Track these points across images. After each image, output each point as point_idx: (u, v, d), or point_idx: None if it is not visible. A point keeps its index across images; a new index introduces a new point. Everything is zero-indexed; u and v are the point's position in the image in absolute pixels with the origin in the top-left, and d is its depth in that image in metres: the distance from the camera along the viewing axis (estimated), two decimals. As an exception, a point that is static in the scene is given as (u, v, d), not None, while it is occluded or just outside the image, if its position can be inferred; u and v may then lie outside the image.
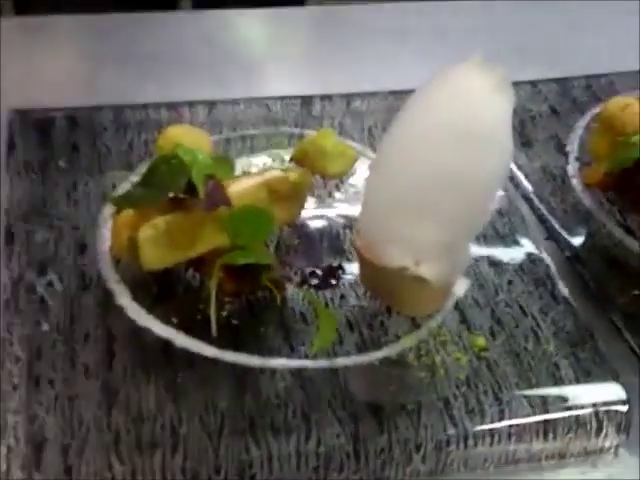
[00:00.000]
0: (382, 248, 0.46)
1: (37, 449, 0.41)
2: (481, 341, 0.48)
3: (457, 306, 0.50)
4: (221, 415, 0.44)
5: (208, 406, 0.44)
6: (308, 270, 0.51)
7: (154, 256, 0.47)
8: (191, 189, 0.48)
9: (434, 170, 0.44)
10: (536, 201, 0.58)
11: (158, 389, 0.44)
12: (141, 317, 0.47)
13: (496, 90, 0.44)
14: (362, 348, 0.48)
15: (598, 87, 0.68)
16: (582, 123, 0.62)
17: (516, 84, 0.44)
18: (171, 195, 0.48)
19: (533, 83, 0.68)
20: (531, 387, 0.46)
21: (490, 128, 0.44)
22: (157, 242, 0.47)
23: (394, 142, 0.46)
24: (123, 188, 0.55)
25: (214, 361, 0.46)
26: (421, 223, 0.45)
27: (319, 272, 0.51)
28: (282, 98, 0.65)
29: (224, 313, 0.48)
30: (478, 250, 0.53)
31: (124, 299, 0.48)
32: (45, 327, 0.47)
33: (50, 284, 0.49)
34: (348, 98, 0.65)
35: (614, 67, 0.71)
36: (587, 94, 0.68)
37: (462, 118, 0.44)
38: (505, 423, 0.45)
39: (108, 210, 0.53)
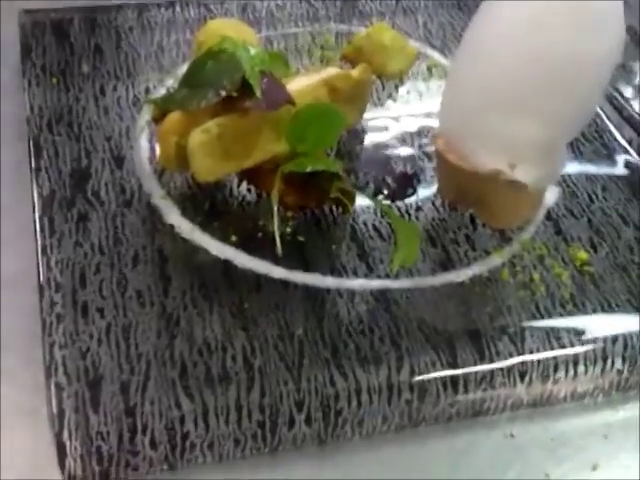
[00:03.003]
0: (470, 149, 0.40)
1: (92, 387, 0.35)
2: (582, 254, 0.43)
3: (549, 216, 0.44)
4: (299, 343, 0.38)
5: (283, 334, 0.38)
6: (378, 179, 0.45)
7: (207, 165, 0.41)
8: (244, 87, 0.42)
9: (535, 56, 0.38)
10: (619, 101, 0.52)
11: (224, 316, 0.39)
12: (195, 236, 0.41)
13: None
14: (448, 265, 0.42)
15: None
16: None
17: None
18: (222, 95, 0.42)
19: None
20: (643, 304, 0.41)
21: (601, 6, 0.38)
22: (210, 149, 0.41)
23: (486, 24, 0.40)
24: (159, 92, 0.48)
25: (283, 283, 0.40)
26: (517, 119, 0.39)
27: (391, 181, 0.45)
28: (323, -6, 0.58)
29: (288, 230, 0.42)
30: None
31: (173, 216, 0.42)
32: (86, 249, 0.41)
33: (87, 201, 0.43)
34: (396, -7, 0.59)
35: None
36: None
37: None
38: (618, 345, 0.40)
39: (144, 117, 0.47)
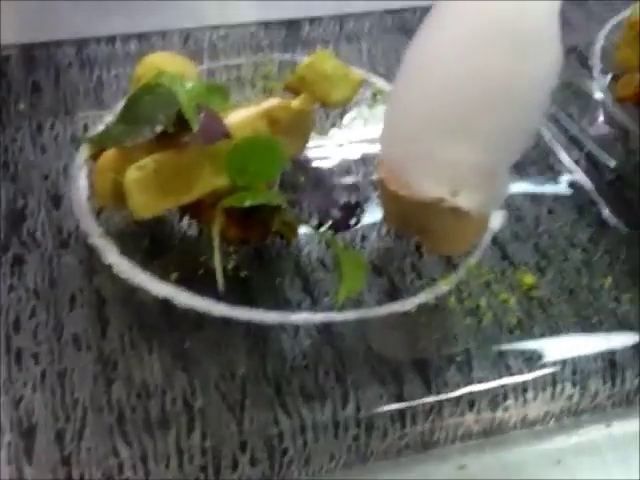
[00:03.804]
0: (411, 177, 0.40)
1: (26, 437, 0.34)
2: (529, 278, 0.42)
3: (495, 241, 0.44)
4: (241, 383, 0.37)
5: (225, 374, 0.37)
6: (321, 210, 0.45)
7: (144, 202, 0.40)
8: (181, 122, 0.41)
9: (471, 80, 0.37)
10: (565, 121, 0.52)
11: (164, 358, 0.38)
12: (134, 275, 0.40)
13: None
14: (394, 295, 0.41)
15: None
16: (602, 34, 0.56)
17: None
18: (159, 130, 0.41)
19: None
20: (592, 327, 0.41)
21: (537, 27, 0.38)
22: (147, 185, 0.40)
23: (422, 50, 0.39)
24: (98, 129, 0.47)
25: (225, 321, 0.39)
26: (457, 145, 0.38)
27: (335, 212, 0.44)
28: (266, 23, 0.58)
29: (230, 265, 0.42)
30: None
31: (111, 255, 0.41)
32: (21, 292, 0.40)
33: (22, 243, 0.42)
34: (340, 19, 0.58)
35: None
36: (602, 4, 0.61)
37: (504, 16, 0.37)
38: (567, 370, 0.39)
39: (82, 155, 0.46)
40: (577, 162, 0.50)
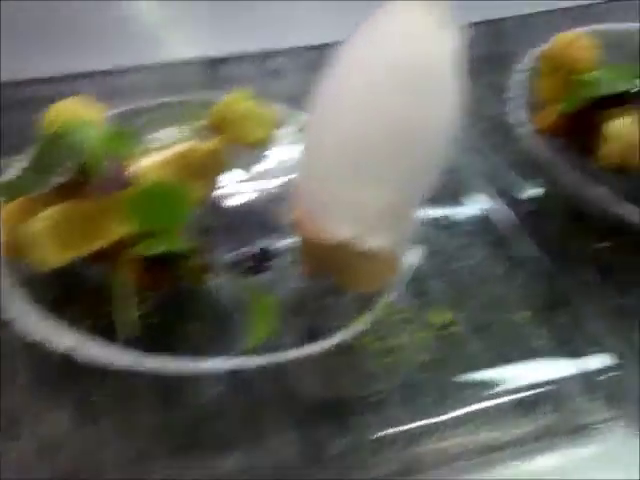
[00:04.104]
0: (322, 220, 0.39)
1: None
2: (446, 315, 0.42)
3: (412, 278, 0.44)
4: (150, 434, 0.36)
5: (133, 425, 0.36)
6: (235, 254, 0.44)
7: (48, 253, 0.39)
8: (86, 171, 0.40)
9: (374, 123, 0.37)
10: (485, 153, 0.52)
11: (70, 412, 0.37)
12: (40, 326, 0.39)
13: (440, 26, 0.37)
14: (309, 337, 0.40)
15: (533, 27, 0.63)
16: (521, 66, 0.56)
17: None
18: (64, 180, 0.40)
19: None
20: (508, 362, 0.40)
21: (435, 69, 0.37)
22: (50, 237, 0.39)
23: (328, 95, 0.39)
24: (8, 176, 0.46)
25: (133, 371, 0.38)
26: (363, 187, 0.38)
27: (248, 255, 0.44)
28: (186, 63, 0.57)
29: (141, 311, 0.40)
30: (424, 213, 0.47)
31: (16, 308, 0.40)
32: None
33: None
34: (264, 56, 0.58)
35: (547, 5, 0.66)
36: (522, 35, 0.62)
37: (402, 59, 0.37)
38: (483, 406, 0.39)
39: (-9, 204, 0.45)
40: (497, 194, 0.50)
